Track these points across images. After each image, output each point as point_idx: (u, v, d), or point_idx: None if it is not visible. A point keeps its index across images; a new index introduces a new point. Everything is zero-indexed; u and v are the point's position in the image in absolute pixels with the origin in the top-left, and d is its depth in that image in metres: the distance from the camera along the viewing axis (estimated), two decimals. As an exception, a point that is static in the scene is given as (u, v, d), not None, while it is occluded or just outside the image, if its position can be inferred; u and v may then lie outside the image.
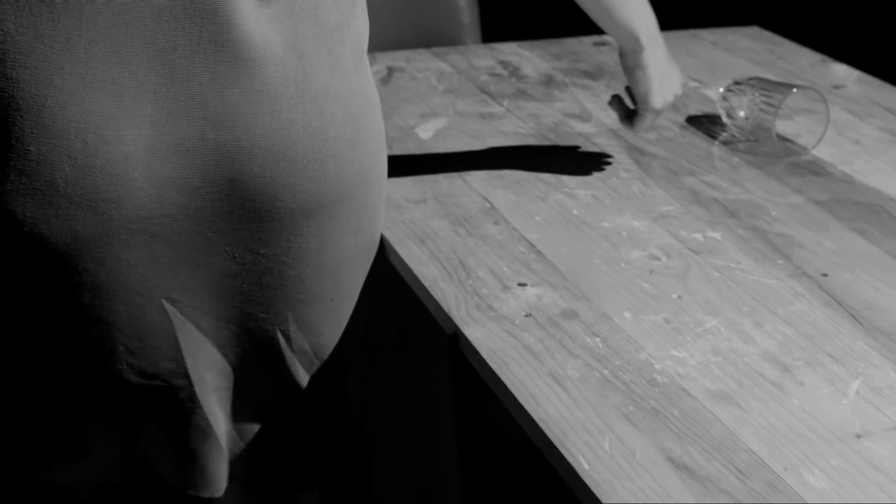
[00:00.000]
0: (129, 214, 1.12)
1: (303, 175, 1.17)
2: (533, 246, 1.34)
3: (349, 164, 1.21)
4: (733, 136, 1.64)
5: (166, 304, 1.18)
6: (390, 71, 1.91)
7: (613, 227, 1.39)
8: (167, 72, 1.11)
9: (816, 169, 1.56)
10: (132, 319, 1.18)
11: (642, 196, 1.47)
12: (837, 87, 1.87)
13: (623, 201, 1.45)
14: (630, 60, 1.45)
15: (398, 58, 1.98)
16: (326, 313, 1.26)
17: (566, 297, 1.23)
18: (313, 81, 1.16)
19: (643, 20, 1.44)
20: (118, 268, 1.15)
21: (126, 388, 1.22)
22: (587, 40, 2.09)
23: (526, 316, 1.20)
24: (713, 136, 1.66)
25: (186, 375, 1.23)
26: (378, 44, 2.16)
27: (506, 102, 1.77)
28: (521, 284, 1.26)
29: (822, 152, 1.61)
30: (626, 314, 1.21)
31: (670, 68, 1.49)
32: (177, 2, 1.10)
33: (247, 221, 1.18)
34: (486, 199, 1.45)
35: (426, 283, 1.26)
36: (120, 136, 1.10)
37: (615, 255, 1.32)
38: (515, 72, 1.91)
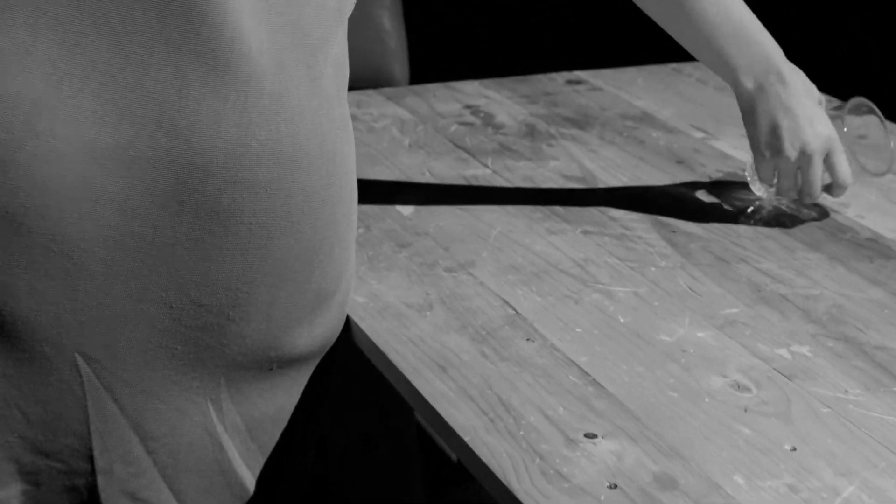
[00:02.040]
0: (51, 230, 0.93)
1: (264, 206, 0.97)
2: (585, 373, 1.05)
3: (320, 206, 1.01)
4: (773, 205, 1.37)
5: (80, 362, 0.97)
6: (340, 119, 1.60)
7: (675, 340, 1.10)
8: (119, 60, 0.93)
9: (882, 249, 1.30)
10: (36, 375, 0.97)
11: (695, 294, 1.19)
12: (860, 136, 1.62)
13: (674, 302, 1.17)
14: (739, 102, 1.30)
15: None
16: (266, 381, 1.03)
17: (654, 455, 0.94)
18: (290, 99, 0.98)
19: (743, 52, 1.25)
20: (29, 301, 0.95)
21: (11, 469, 0.97)
22: (558, 78, 1.80)
23: (611, 487, 0.90)
24: (746, 205, 1.39)
25: (90, 458, 0.98)
26: None
27: (490, 161, 1.48)
28: (589, 436, 0.96)
29: (879, 224, 1.35)
30: (738, 479, 0.92)
31: (803, 110, 1.27)
32: None
33: (193, 259, 0.97)
34: (506, 302, 1.15)
35: (466, 437, 0.96)
36: (53, 129, 0.92)
37: (692, 385, 1.04)
38: (489, 120, 1.62)
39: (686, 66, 1.87)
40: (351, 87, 2.20)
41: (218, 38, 0.94)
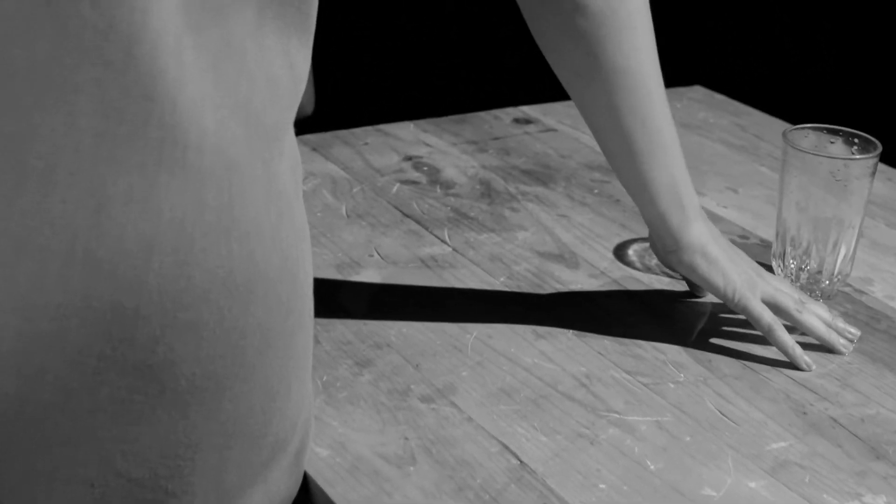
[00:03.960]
0: None
1: (211, 352, 0.73)
2: (626, 555, 0.82)
3: (279, 340, 0.77)
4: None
5: None
6: (260, 180, 1.34)
7: (724, 496, 0.88)
8: (13, 178, 0.69)
9: (927, 343, 1.09)
10: None
11: (730, 422, 0.97)
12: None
13: (708, 436, 0.95)
14: (680, 248, 1.08)
15: (261, 154, 1.41)
16: None
17: None
18: (244, 209, 0.73)
19: (688, 180, 1.08)
20: None
21: None
22: (504, 116, 1.56)
23: None
24: (758, 287, 1.17)
25: None
26: None
27: (447, 235, 1.23)
28: None
29: (911, 308, 1.15)
30: None
31: (742, 260, 1.10)
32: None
33: (119, 426, 0.73)
34: (506, 448, 0.92)
35: None
36: None
37: (762, 568, 0.82)
38: (436, 176, 1.37)
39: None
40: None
41: (165, 102, 0.71)
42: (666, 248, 1.09)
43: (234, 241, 0.73)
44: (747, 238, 1.27)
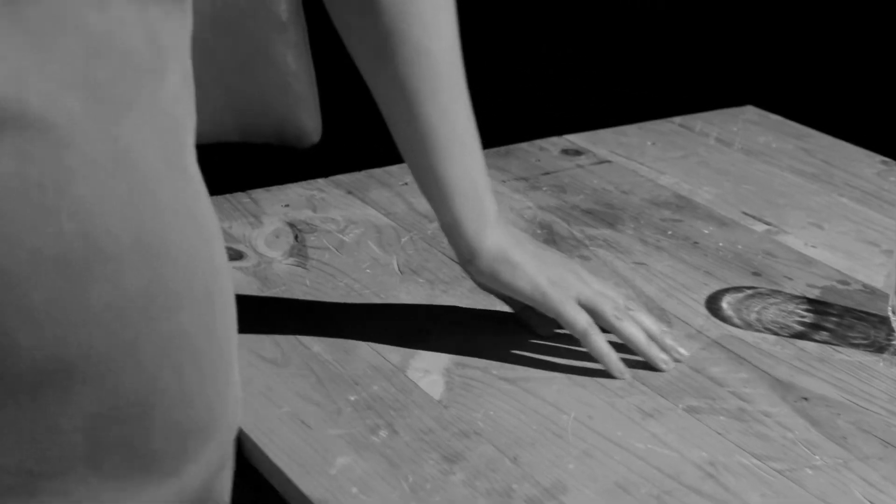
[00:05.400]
0: None
1: (52, 334, 0.68)
2: None
3: (155, 336, 0.72)
4: None
5: None
6: (295, 231, 1.19)
7: None
8: None
9: None
10: None
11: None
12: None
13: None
14: (477, 256, 0.99)
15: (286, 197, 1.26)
16: None
17: None
18: (79, 184, 0.68)
19: (488, 183, 1.01)
20: None
21: None
22: (550, 147, 1.42)
23: None
24: (880, 344, 1.04)
25: None
26: (200, 134, 1.46)
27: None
28: None
29: None
30: None
31: (551, 258, 1.02)
32: None
33: None
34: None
35: None
36: None
37: None
38: (490, 220, 1.23)
39: (695, 122, 1.51)
40: (250, 142, 1.79)
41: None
42: (463, 258, 1.00)
43: (66, 219, 0.67)
44: (848, 284, 1.13)
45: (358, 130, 1.94)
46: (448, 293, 1.08)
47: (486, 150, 1.37)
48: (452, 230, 0.99)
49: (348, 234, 1.18)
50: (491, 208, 1.00)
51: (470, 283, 1.10)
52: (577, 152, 1.40)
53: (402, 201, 1.26)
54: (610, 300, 1.00)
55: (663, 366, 0.99)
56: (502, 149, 1.40)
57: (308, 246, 1.15)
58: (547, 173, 1.34)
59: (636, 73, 2.05)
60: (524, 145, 1.42)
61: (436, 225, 1.20)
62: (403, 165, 1.33)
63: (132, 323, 0.70)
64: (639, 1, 2.17)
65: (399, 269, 1.12)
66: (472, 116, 0.99)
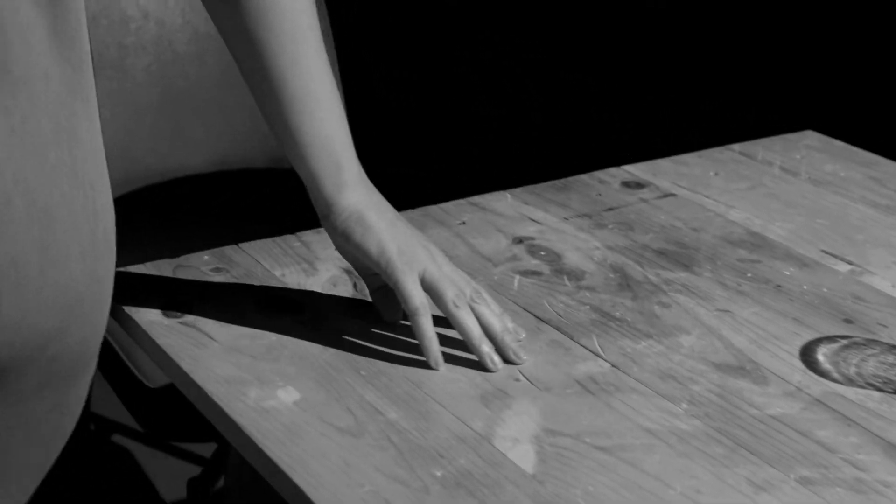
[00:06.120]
0: None
1: None
2: None
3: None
4: None
5: None
6: (353, 279, 1.11)
7: None
8: None
9: None
10: None
11: None
12: None
13: None
14: (333, 212, 0.99)
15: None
16: None
17: None
18: None
19: (348, 142, 1.00)
20: None
21: None
22: (609, 180, 1.35)
23: None
24: None
25: None
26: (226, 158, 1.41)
27: (598, 345, 1.02)
28: None
29: None
30: None
31: (408, 231, 1.00)
32: None
33: None
34: None
35: None
36: None
37: None
38: (557, 263, 1.15)
39: (755, 149, 1.44)
40: (278, 168, 1.71)
41: None
42: (321, 212, 1.00)
43: None
44: (947, 330, 1.06)
45: (391, 153, 1.87)
46: (525, 348, 1.01)
47: (544, 184, 1.30)
48: (310, 184, 0.99)
49: (410, 282, 1.11)
50: (350, 167, 0.99)
51: (547, 337, 1.02)
52: (639, 185, 1.33)
53: (462, 243, 1.19)
54: (454, 286, 0.98)
55: (490, 365, 0.96)
56: (559, 182, 1.33)
57: (368, 296, 1.08)
58: (610, 209, 1.27)
59: (687, 99, 1.98)
60: (583, 177, 1.34)
61: (501, 269, 1.13)
62: (460, 202, 1.27)
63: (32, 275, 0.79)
64: (685, 27, 2.10)
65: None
66: (330, 72, 0.98)
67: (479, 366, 0.98)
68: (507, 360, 0.97)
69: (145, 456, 2.19)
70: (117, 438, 2.26)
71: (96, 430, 2.21)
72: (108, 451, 2.24)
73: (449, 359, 0.98)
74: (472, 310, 0.98)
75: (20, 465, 0.91)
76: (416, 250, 0.98)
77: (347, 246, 0.99)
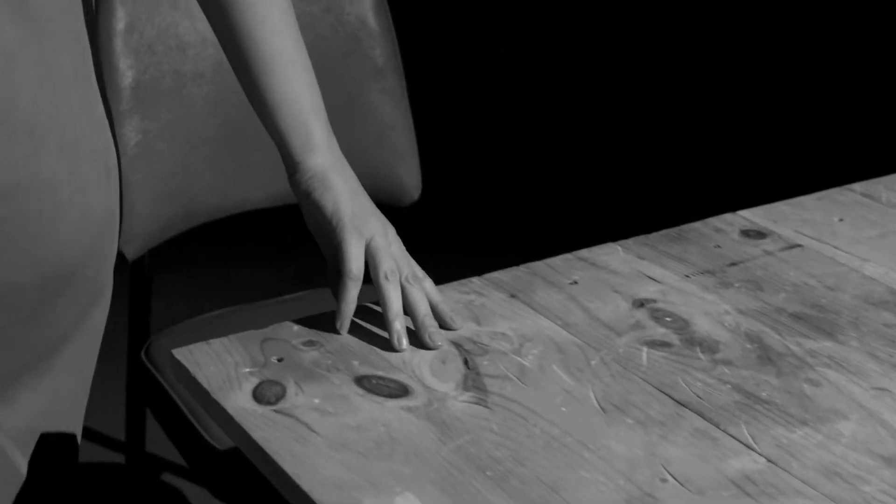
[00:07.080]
0: None
1: None
2: None
3: None
4: None
5: None
6: (463, 354, 0.99)
7: None
8: None
9: None
10: None
11: None
12: None
13: None
14: (299, 171, 1.02)
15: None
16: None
17: None
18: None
19: (317, 104, 1.04)
20: None
21: None
22: (727, 228, 1.23)
23: None
24: None
25: None
26: (291, 192, 1.29)
27: (748, 435, 0.90)
28: None
29: None
30: None
31: (368, 203, 1.03)
32: None
33: None
34: None
35: None
36: None
37: None
38: (687, 332, 1.04)
39: (878, 189, 1.32)
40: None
41: None
42: (288, 171, 1.03)
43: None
44: None
45: (461, 186, 1.75)
46: (667, 439, 0.89)
47: (656, 234, 1.19)
48: (279, 144, 1.02)
49: (527, 356, 0.99)
50: (318, 129, 1.02)
51: (690, 425, 0.91)
52: (760, 234, 1.21)
53: (577, 307, 1.07)
54: (393, 261, 1.00)
55: (396, 343, 0.98)
56: (673, 231, 1.21)
57: (483, 374, 0.96)
58: (733, 263, 1.15)
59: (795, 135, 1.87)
60: (697, 226, 1.23)
61: (626, 340, 1.01)
62: (567, 257, 1.15)
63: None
64: (771, 59, 1.98)
65: (600, 406, 0.93)
66: (298, 34, 1.02)
67: (622, 464, 0.86)
68: (421, 342, 0.98)
69: (196, 497, 2.09)
70: (167, 477, 2.16)
71: (147, 468, 2.11)
72: (157, 490, 2.15)
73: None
74: (403, 288, 0.99)
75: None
76: (370, 218, 1.01)
77: (307, 202, 1.02)
